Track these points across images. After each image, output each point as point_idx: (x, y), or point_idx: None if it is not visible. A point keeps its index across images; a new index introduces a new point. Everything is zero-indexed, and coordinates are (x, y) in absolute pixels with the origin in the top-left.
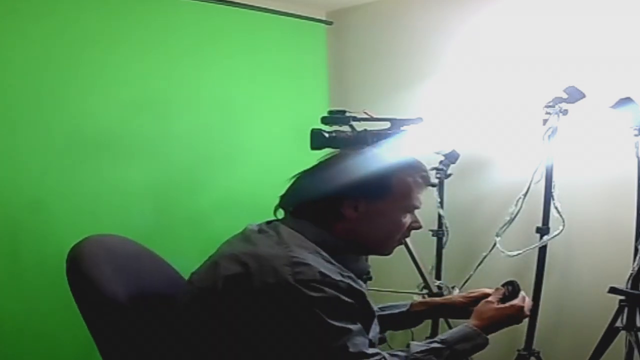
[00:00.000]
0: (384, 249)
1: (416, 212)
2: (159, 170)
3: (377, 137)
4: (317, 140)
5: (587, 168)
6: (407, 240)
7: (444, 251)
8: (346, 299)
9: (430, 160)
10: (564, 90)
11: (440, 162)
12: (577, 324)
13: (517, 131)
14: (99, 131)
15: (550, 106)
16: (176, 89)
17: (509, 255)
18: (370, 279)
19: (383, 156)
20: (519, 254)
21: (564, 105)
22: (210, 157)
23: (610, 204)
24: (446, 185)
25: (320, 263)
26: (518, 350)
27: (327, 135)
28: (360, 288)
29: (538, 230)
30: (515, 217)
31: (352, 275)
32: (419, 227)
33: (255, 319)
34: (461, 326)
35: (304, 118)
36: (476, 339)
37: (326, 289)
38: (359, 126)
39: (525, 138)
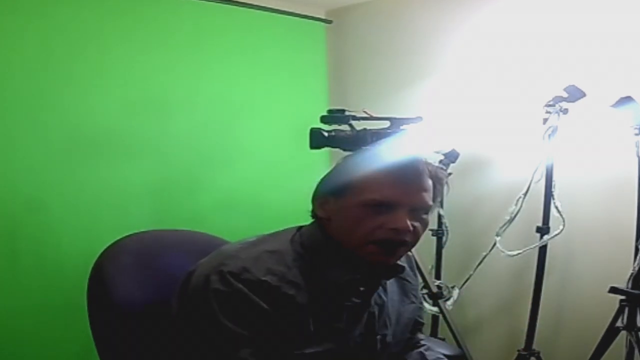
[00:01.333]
0: (358, 253)
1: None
2: (158, 169)
3: (377, 136)
4: (316, 139)
5: (588, 167)
6: None
7: (443, 251)
8: (256, 298)
9: (430, 159)
10: (564, 89)
11: (440, 161)
12: (577, 324)
13: (517, 130)
14: (98, 130)
15: (550, 105)
16: (175, 88)
17: (509, 255)
18: (379, 284)
19: (369, 152)
20: (519, 253)
21: (564, 104)
22: (209, 156)
23: (610, 203)
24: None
25: (263, 260)
26: (518, 351)
27: (326, 134)
28: (292, 294)
29: (538, 229)
30: (515, 216)
31: (302, 282)
32: (399, 228)
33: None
34: None
35: (303, 117)
36: None
37: (236, 283)
38: (359, 125)
39: (525, 137)
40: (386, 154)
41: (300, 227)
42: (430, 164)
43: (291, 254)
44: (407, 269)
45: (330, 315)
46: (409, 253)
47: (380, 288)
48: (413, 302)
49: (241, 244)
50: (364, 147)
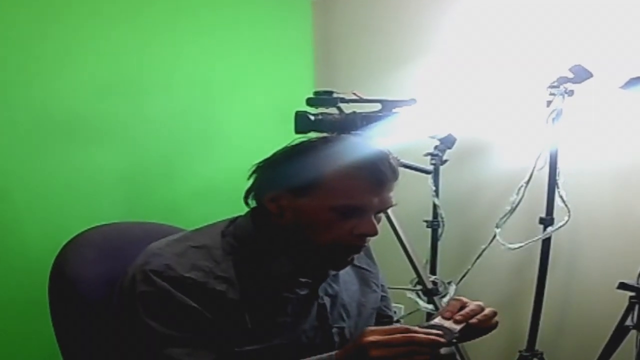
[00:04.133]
0: (320, 258)
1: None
2: (131, 155)
3: (367, 119)
4: (302, 123)
5: (595, 153)
6: (400, 231)
7: (439, 244)
8: (181, 296)
9: (424, 145)
10: (570, 69)
11: (436, 147)
12: (583, 323)
13: (518, 114)
14: (66, 114)
15: (554, 86)
16: (150, 67)
17: (510, 248)
18: (327, 275)
19: (337, 147)
20: (521, 246)
21: (569, 86)
22: (187, 141)
23: (619, 192)
24: (442, 172)
25: (188, 256)
26: (520, 351)
27: (312, 118)
28: (222, 290)
29: (541, 221)
30: (516, 206)
31: (233, 277)
32: (370, 234)
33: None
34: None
35: (288, 99)
36: None
37: (159, 281)
38: (348, 108)
39: (527, 121)
40: (353, 152)
41: (235, 219)
42: (394, 158)
43: (221, 248)
44: (363, 256)
45: (272, 309)
46: None
47: (330, 278)
48: (375, 291)
49: (167, 240)
50: (324, 138)
